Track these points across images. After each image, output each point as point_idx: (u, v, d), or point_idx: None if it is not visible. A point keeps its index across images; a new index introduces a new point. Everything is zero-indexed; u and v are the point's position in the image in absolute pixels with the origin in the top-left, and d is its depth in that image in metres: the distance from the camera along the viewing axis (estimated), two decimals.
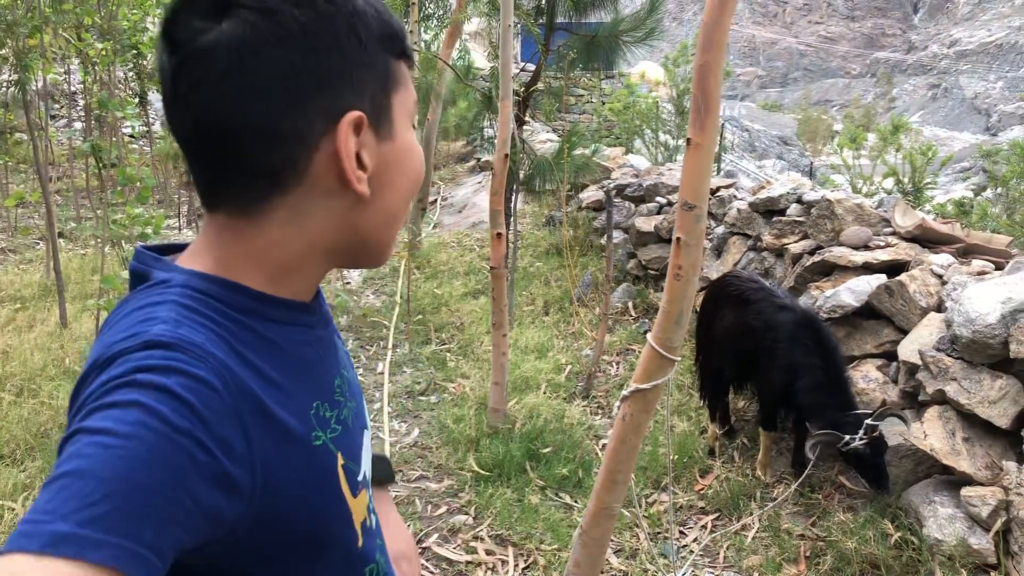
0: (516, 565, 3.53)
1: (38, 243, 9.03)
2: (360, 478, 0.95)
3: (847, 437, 3.50)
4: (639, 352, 5.90)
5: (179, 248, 0.91)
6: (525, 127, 7.89)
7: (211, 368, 0.73)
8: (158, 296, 0.80)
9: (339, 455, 0.89)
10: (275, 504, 0.78)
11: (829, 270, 4.73)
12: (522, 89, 7.06)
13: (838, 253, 4.62)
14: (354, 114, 0.82)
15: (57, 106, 14.48)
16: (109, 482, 0.64)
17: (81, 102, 13.95)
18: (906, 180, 11.12)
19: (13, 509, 3.65)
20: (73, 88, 14.05)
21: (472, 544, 3.68)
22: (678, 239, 2.50)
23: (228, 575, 0.80)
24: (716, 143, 2.64)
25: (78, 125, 13.73)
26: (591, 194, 8.84)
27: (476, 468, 4.24)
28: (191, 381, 0.70)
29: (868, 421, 3.51)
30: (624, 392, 2.63)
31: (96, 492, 0.63)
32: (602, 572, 3.39)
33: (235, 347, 0.79)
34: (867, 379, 4.02)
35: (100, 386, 0.70)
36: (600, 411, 5.10)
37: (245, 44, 0.77)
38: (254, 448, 0.75)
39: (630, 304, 6.92)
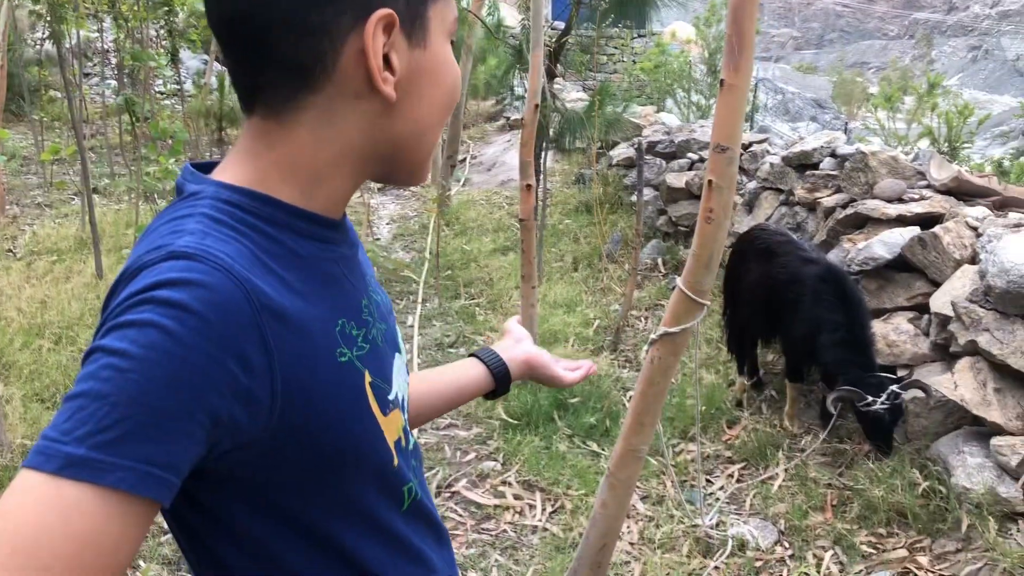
0: (544, 509, 3.58)
1: (73, 198, 9.15)
2: (392, 397, 0.95)
3: (870, 398, 3.49)
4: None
5: None
6: (555, 83, 7.82)
7: (232, 280, 0.73)
8: (187, 208, 0.81)
9: (366, 372, 0.89)
10: (298, 416, 0.79)
11: (862, 223, 4.68)
12: (553, 41, 7.00)
13: (871, 206, 4.57)
14: (384, 11, 0.80)
15: (90, 64, 14.56)
16: (122, 406, 0.66)
17: (114, 60, 14.03)
18: (942, 140, 10.91)
19: None
20: (105, 46, 14.12)
21: (500, 489, 3.74)
22: (710, 182, 2.48)
23: (254, 485, 0.81)
24: (750, 85, 2.61)
25: (111, 83, 13.82)
26: (621, 151, 8.78)
27: (504, 416, 4.29)
28: (210, 293, 0.71)
29: (894, 388, 3.49)
30: (653, 335, 2.64)
31: (109, 416, 0.66)
32: (628, 516, 3.43)
33: (261, 258, 0.79)
34: (898, 331, 4.00)
35: (122, 301, 0.71)
36: (628, 364, 5.12)
37: None
38: (275, 361, 0.75)
39: (659, 260, 6.91)
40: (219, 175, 0.86)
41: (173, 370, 0.68)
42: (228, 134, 11.71)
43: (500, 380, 1.35)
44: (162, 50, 11.39)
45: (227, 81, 11.30)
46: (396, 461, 0.94)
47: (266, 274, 0.78)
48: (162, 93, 12.84)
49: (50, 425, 0.67)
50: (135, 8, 8.52)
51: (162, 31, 11.01)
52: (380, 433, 0.91)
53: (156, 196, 7.84)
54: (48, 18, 6.43)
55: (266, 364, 0.75)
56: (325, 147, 0.85)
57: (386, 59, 0.83)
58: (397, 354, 1.02)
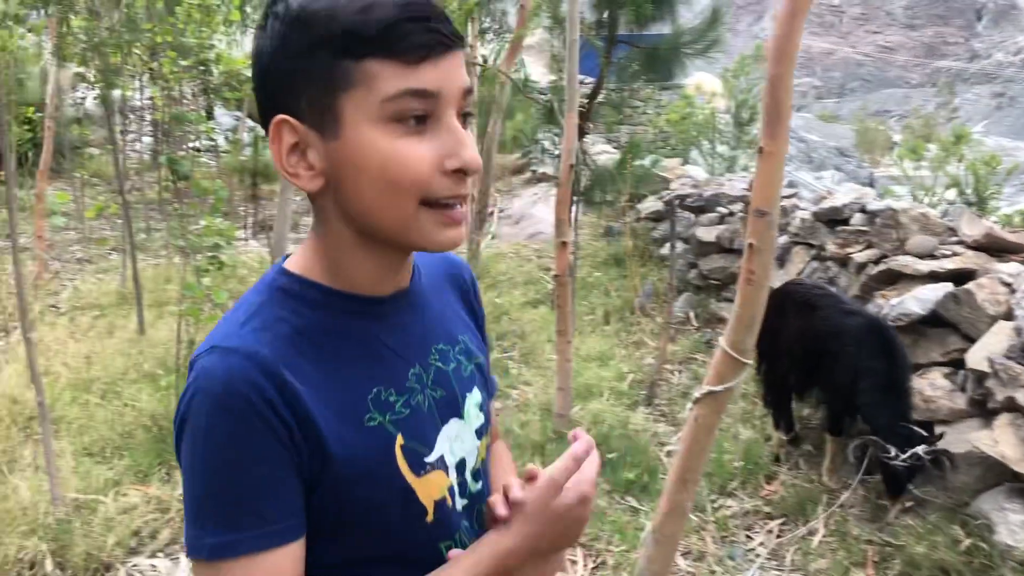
0: (585, 565, 3.61)
1: (111, 254, 9.36)
2: (431, 459, 1.02)
3: (893, 451, 3.52)
4: (702, 361, 5.95)
5: None
6: (584, 140, 8.00)
7: (258, 365, 0.87)
8: (250, 294, 0.98)
9: (399, 436, 0.97)
10: (325, 472, 0.91)
11: (894, 279, 4.74)
12: (584, 101, 7.16)
13: (903, 262, 4.63)
14: (277, 117, 0.91)
15: (125, 121, 14.96)
16: (224, 494, 0.87)
17: (148, 117, 14.42)
18: (969, 191, 10.93)
19: (104, 502, 3.82)
20: (140, 104, 14.51)
21: None
22: (751, 245, 2.57)
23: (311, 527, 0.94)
24: (787, 151, 2.70)
25: (147, 140, 14.19)
26: (650, 204, 8.90)
27: None
28: (244, 385, 0.86)
29: (919, 450, 3.52)
30: (696, 394, 2.70)
31: (221, 505, 0.87)
32: (671, 574, 3.45)
33: (294, 339, 0.93)
34: (934, 387, 4.02)
35: (183, 395, 0.89)
36: (663, 418, 5.16)
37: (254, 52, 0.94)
38: (295, 427, 0.88)
39: (691, 314, 6.97)
40: (287, 261, 1.01)
41: (242, 454, 0.86)
42: (262, 190, 11.95)
43: None
44: (195, 108, 11.74)
45: (260, 136, 11.57)
46: (431, 517, 1.01)
47: (295, 354, 0.92)
48: (197, 149, 13.17)
49: (186, 522, 0.89)
50: (174, 69, 8.81)
51: (197, 89, 11.35)
52: (411, 492, 0.99)
53: (196, 254, 8.05)
54: (100, 82, 6.65)
55: (291, 428, 0.88)
56: (332, 236, 0.97)
57: (305, 155, 0.92)
58: (455, 419, 1.08)
